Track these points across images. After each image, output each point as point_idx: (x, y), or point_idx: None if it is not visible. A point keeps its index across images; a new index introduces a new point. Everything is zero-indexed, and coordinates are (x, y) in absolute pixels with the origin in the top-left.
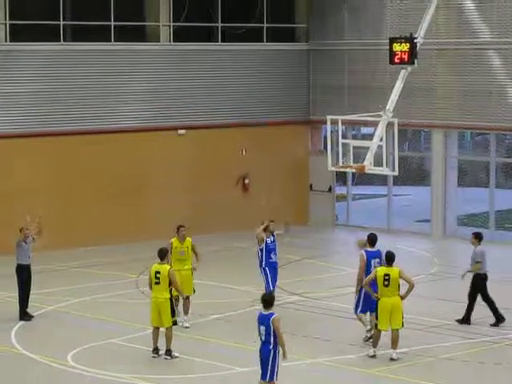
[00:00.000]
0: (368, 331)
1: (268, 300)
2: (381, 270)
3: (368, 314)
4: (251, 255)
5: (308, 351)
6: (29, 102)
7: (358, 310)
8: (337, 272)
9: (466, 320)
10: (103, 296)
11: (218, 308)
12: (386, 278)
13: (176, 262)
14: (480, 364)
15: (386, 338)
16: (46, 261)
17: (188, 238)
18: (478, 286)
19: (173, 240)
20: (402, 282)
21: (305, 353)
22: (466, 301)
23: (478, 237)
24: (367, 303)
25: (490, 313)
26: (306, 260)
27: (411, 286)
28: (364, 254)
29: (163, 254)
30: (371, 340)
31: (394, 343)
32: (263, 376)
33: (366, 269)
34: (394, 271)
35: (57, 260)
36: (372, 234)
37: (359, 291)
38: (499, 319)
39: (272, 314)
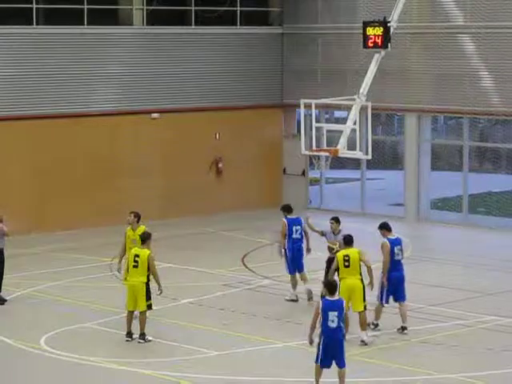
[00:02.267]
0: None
1: (334, 286)
2: (340, 253)
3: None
4: (223, 239)
5: (280, 334)
6: (0, 85)
7: (383, 300)
8: (309, 255)
9: None
10: (77, 280)
11: (190, 292)
12: (346, 258)
13: (128, 250)
14: (453, 347)
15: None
16: (19, 245)
17: (142, 227)
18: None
19: (127, 228)
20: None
21: (277, 336)
22: (444, 285)
23: (338, 221)
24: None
25: (461, 296)
26: (278, 244)
27: (369, 269)
28: (388, 242)
29: (144, 238)
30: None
31: (362, 325)
32: (342, 363)
33: (390, 256)
34: (353, 252)
35: (31, 244)
36: (384, 222)
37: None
38: None
39: (341, 299)
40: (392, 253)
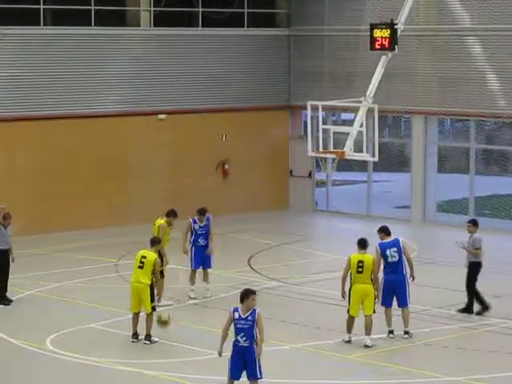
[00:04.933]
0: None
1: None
2: (354, 257)
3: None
4: (229, 240)
5: (286, 337)
6: (8, 86)
7: (384, 303)
8: (316, 257)
9: (467, 309)
10: (82, 280)
11: (195, 293)
12: (360, 264)
13: (168, 243)
14: (458, 349)
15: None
16: (25, 245)
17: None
18: (473, 273)
19: (164, 223)
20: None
21: (283, 338)
22: (450, 288)
23: (475, 224)
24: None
25: (467, 299)
26: (284, 245)
27: (376, 280)
28: (378, 247)
29: (154, 242)
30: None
31: (368, 329)
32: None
33: (384, 259)
34: (367, 259)
35: (36, 244)
36: (384, 226)
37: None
38: (485, 308)
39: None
40: (385, 255)
